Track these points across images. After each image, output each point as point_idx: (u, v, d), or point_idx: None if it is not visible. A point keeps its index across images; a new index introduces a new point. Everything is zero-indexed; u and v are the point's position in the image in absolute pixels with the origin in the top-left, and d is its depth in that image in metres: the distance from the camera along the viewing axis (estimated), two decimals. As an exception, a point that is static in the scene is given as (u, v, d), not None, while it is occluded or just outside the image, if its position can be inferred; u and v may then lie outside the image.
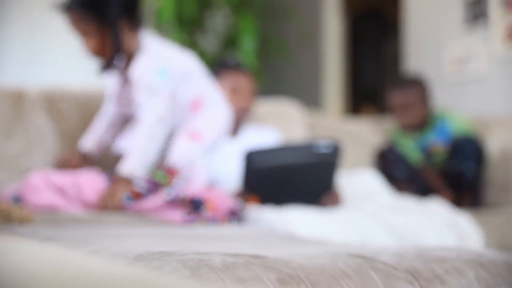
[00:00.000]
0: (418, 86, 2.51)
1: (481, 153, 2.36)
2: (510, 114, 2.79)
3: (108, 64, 1.71)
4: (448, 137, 2.46)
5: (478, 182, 2.39)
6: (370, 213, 1.72)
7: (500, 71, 2.98)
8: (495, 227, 1.89)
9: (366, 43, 6.05)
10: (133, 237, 1.03)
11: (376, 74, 6.19)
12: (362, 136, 2.70)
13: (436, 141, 2.49)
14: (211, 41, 3.78)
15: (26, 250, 0.39)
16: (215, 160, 2.07)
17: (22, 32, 3.49)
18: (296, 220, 1.57)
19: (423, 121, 2.51)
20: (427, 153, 2.51)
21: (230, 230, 1.31)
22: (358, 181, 2.22)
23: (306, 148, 1.79)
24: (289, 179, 1.80)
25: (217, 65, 2.26)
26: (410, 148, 2.55)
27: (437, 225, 1.70)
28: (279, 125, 2.37)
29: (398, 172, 2.40)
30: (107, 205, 1.54)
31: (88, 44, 1.68)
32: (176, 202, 1.53)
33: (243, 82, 2.12)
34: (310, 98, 4.39)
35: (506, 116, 2.76)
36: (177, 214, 1.52)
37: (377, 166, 2.54)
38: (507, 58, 2.93)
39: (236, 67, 2.16)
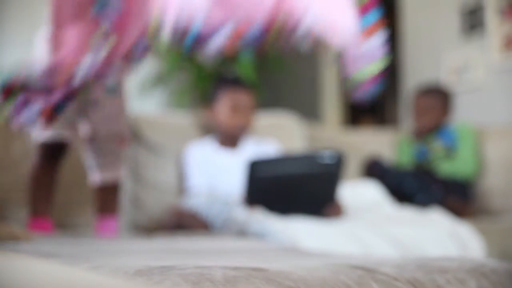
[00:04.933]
0: (441, 95, 2.63)
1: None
2: (508, 123, 2.80)
3: None
4: (449, 137, 2.53)
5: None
6: (372, 224, 1.71)
7: (497, 80, 2.99)
8: (496, 236, 1.88)
9: (363, 54, 6.05)
10: (132, 252, 1.02)
11: (374, 85, 6.19)
12: (362, 147, 2.71)
13: (438, 143, 2.56)
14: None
15: (27, 267, 0.39)
16: (216, 173, 2.07)
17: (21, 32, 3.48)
18: (299, 231, 1.57)
19: (437, 128, 2.58)
20: (426, 157, 2.56)
21: (231, 243, 1.31)
22: (360, 192, 2.21)
23: (310, 159, 1.79)
24: (292, 189, 1.80)
25: (216, 81, 2.27)
26: (408, 156, 2.60)
27: (439, 235, 1.70)
28: (278, 138, 2.37)
29: (386, 183, 2.42)
30: None
31: None
32: None
33: (243, 99, 2.11)
34: (309, 111, 4.39)
35: (504, 124, 2.77)
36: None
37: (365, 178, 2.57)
38: (504, 67, 2.94)
39: (235, 83, 2.15)
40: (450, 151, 2.53)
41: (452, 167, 2.48)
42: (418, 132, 2.63)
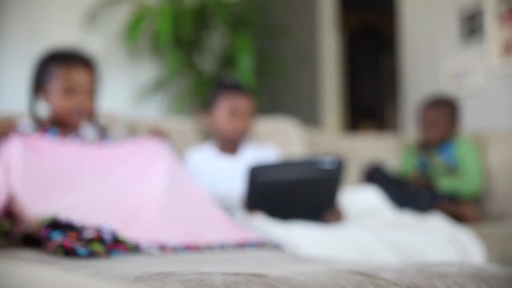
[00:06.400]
0: (449, 107, 2.59)
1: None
2: (509, 128, 2.80)
3: None
4: (451, 154, 2.51)
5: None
6: (372, 230, 1.71)
7: (497, 85, 2.99)
8: (497, 241, 1.88)
9: (363, 59, 6.08)
10: (132, 259, 1.02)
11: (374, 90, 6.22)
12: (362, 153, 2.71)
13: (439, 158, 2.54)
14: (208, 61, 3.79)
15: (28, 274, 0.39)
16: (216, 178, 2.07)
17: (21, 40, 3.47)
18: (299, 236, 1.57)
19: (444, 141, 2.56)
20: (427, 169, 2.55)
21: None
22: (360, 198, 2.21)
23: (310, 164, 1.79)
24: (292, 194, 1.79)
25: (216, 85, 2.26)
26: (412, 165, 2.60)
27: (439, 241, 1.70)
28: (278, 143, 2.37)
29: (385, 190, 2.41)
30: None
31: None
32: None
33: (242, 104, 2.10)
34: (309, 116, 4.39)
35: (504, 130, 2.77)
36: None
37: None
38: (504, 73, 2.94)
39: (235, 88, 2.14)
40: (451, 169, 2.49)
41: (455, 184, 2.44)
42: (425, 144, 2.60)
